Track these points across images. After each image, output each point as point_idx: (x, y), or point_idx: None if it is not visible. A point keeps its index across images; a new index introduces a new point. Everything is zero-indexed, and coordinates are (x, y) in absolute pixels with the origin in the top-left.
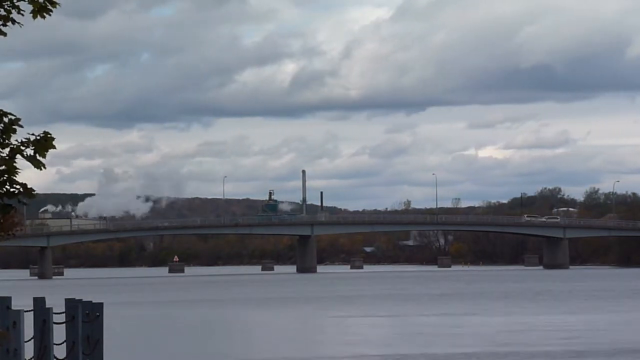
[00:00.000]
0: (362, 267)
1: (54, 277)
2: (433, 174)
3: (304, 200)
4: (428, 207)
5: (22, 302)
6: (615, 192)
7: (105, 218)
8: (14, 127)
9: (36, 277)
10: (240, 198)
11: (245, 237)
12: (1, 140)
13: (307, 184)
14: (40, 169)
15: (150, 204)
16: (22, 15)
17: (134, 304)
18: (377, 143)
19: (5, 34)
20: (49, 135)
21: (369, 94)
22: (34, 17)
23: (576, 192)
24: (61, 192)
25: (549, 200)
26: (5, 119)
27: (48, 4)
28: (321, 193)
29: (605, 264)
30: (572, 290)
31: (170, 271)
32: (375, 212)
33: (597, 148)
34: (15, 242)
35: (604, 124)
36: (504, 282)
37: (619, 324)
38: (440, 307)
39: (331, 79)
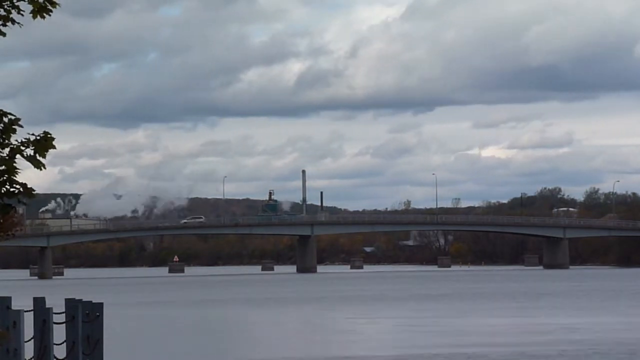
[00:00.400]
0: (362, 267)
1: (54, 277)
2: (433, 174)
3: (304, 200)
4: (428, 207)
5: (22, 302)
6: (615, 192)
7: (105, 218)
8: (13, 127)
9: (36, 277)
10: (241, 198)
11: (245, 237)
12: (1, 140)
13: (310, 184)
14: (40, 169)
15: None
16: (22, 15)
17: (134, 304)
18: (381, 143)
19: (4, 34)
20: (49, 135)
21: (375, 94)
22: (34, 17)
23: (577, 192)
24: (62, 192)
25: (549, 200)
26: (5, 119)
27: (48, 4)
28: (321, 193)
29: (605, 264)
30: (588, 290)
31: (170, 271)
32: (375, 212)
33: (601, 148)
34: (15, 242)
35: (609, 124)
36: (516, 282)
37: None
38: (451, 306)
39: (337, 79)
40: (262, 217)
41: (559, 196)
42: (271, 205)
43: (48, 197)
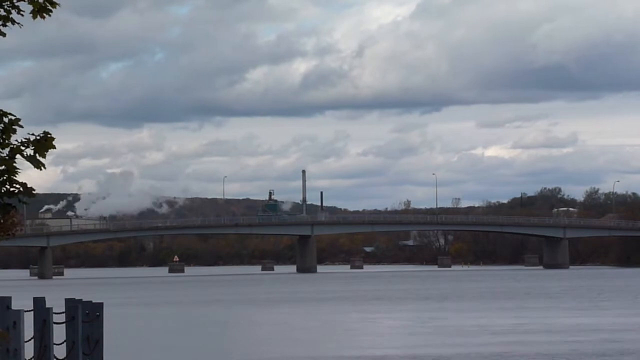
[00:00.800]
0: (362, 267)
1: (54, 277)
2: (433, 174)
3: (304, 200)
4: (428, 207)
5: (22, 302)
6: (615, 192)
7: (105, 218)
8: (14, 127)
9: (36, 277)
10: (241, 198)
11: (245, 237)
12: (1, 140)
13: (312, 184)
14: (40, 169)
15: (157, 204)
16: (22, 15)
17: (134, 304)
18: (385, 143)
19: (4, 35)
20: (49, 135)
21: (381, 93)
22: (34, 17)
23: (578, 192)
24: (64, 192)
25: (549, 200)
26: (5, 119)
27: (48, 4)
28: (321, 193)
29: (605, 264)
30: (602, 289)
31: (170, 271)
32: (375, 212)
33: (605, 148)
34: (15, 242)
35: (614, 124)
36: (520, 282)
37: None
38: (456, 306)
39: (344, 78)
40: (262, 217)
41: (559, 196)
42: (271, 205)
43: (49, 197)
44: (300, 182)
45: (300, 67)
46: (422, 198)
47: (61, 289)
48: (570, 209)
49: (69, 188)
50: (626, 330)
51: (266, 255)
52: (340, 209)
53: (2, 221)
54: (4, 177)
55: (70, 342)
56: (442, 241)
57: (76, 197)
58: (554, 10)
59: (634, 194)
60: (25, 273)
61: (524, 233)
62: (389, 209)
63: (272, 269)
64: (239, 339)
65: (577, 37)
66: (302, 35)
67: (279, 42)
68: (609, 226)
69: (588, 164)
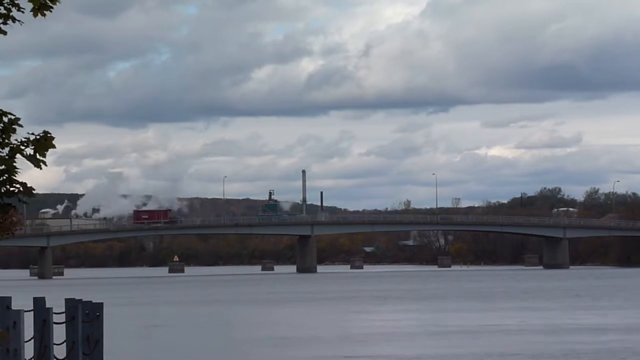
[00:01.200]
0: (362, 267)
1: (54, 277)
2: (433, 174)
3: (304, 200)
4: (428, 207)
5: (22, 302)
6: (615, 192)
7: (105, 218)
8: (13, 126)
9: (36, 277)
10: (241, 198)
11: (245, 237)
12: (1, 140)
13: (315, 184)
14: (40, 168)
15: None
16: (23, 12)
17: (134, 304)
18: (389, 143)
19: (5, 33)
20: (49, 135)
21: (386, 93)
22: (35, 15)
23: (578, 192)
24: (66, 191)
25: (549, 200)
26: (5, 119)
27: (48, 1)
28: (321, 193)
29: (605, 264)
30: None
31: (170, 271)
32: (375, 212)
33: (608, 147)
34: (15, 242)
35: (619, 123)
36: (520, 282)
37: None
38: (463, 306)
39: (350, 78)
40: (262, 217)
41: (559, 196)
42: (271, 205)
43: (51, 197)
44: (301, 182)
45: (307, 67)
46: (424, 198)
47: (61, 289)
48: (570, 209)
49: (72, 188)
50: None
51: (266, 255)
52: (340, 209)
53: (1, 221)
54: (4, 177)
55: (70, 342)
56: (442, 241)
57: (77, 198)
58: (565, 9)
59: (634, 194)
60: (25, 273)
61: (524, 233)
62: (389, 209)
63: (272, 269)
64: (239, 339)
65: (585, 36)
66: (309, 34)
67: (285, 42)
68: (609, 226)
69: (591, 163)
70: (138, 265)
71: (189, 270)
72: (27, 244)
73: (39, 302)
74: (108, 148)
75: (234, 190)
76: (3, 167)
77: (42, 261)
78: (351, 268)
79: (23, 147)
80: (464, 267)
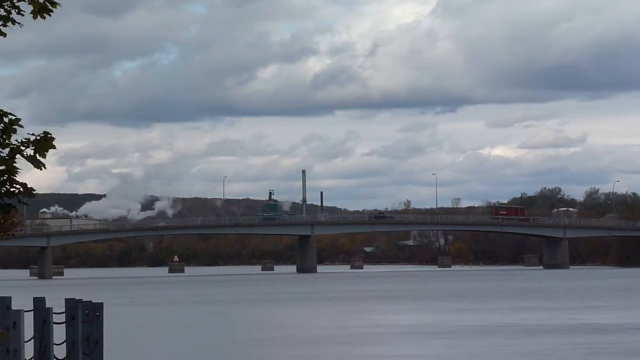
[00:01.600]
0: (362, 267)
1: (54, 277)
2: (433, 174)
3: (304, 200)
4: (428, 207)
5: (22, 302)
6: (615, 192)
7: (105, 218)
8: (14, 127)
9: (36, 277)
10: (241, 198)
11: (245, 237)
12: (1, 140)
13: (318, 184)
14: (40, 169)
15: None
16: (22, 15)
17: (134, 304)
18: (393, 143)
19: (5, 35)
20: (49, 135)
21: (392, 93)
22: (34, 17)
23: (578, 192)
24: (68, 191)
25: (549, 200)
26: (6, 119)
27: (48, 4)
28: (321, 193)
29: (605, 264)
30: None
31: (170, 271)
32: (375, 212)
33: (612, 147)
34: (15, 242)
35: (623, 123)
36: (521, 282)
37: None
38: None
39: (355, 78)
40: (262, 217)
41: (559, 196)
42: (271, 205)
43: (52, 197)
44: (306, 182)
45: (314, 67)
46: (427, 198)
47: (61, 289)
48: (570, 209)
49: (74, 188)
50: None
51: (266, 255)
52: (340, 209)
53: (2, 221)
54: (4, 177)
55: (70, 342)
56: (442, 241)
57: (77, 197)
58: (574, 9)
59: (634, 194)
60: (25, 273)
61: (524, 233)
62: (389, 209)
63: (272, 269)
64: (239, 339)
65: (591, 36)
66: (318, 34)
67: (293, 41)
68: (609, 226)
69: (594, 163)
70: (138, 265)
71: (189, 270)
72: (27, 244)
73: (39, 302)
74: (111, 148)
75: (236, 190)
76: (3, 167)
77: (42, 261)
78: (351, 268)
79: (23, 148)
80: (465, 267)
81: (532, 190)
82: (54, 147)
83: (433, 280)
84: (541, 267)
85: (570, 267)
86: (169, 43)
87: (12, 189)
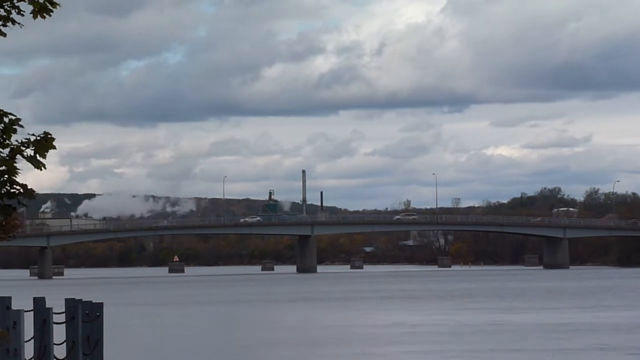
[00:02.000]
0: (362, 267)
1: (54, 277)
2: (433, 174)
3: (304, 200)
4: (429, 207)
5: (22, 302)
6: (615, 192)
7: (105, 218)
8: (14, 127)
9: (36, 277)
10: (241, 198)
11: (245, 237)
12: (1, 141)
13: (321, 183)
14: (41, 169)
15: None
16: (22, 15)
17: (134, 304)
18: (396, 142)
19: (5, 35)
20: (49, 136)
21: (398, 93)
22: (34, 17)
23: (578, 192)
24: (70, 191)
25: (549, 200)
26: (6, 119)
27: (48, 4)
28: (321, 193)
29: (605, 264)
30: None
31: (170, 271)
32: (375, 212)
33: (615, 147)
34: (15, 242)
35: (627, 123)
36: (521, 282)
37: None
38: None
39: (361, 78)
40: (262, 217)
41: (558, 196)
42: (271, 205)
43: (50, 197)
44: (307, 182)
45: (320, 66)
46: (429, 198)
47: (61, 289)
48: (570, 209)
49: (76, 188)
50: None
51: (266, 255)
52: (340, 209)
53: (3, 223)
54: (4, 178)
55: (70, 342)
56: (442, 241)
57: (77, 197)
58: (583, 9)
59: (634, 194)
60: (25, 273)
61: (524, 233)
62: (389, 209)
63: (272, 269)
64: (239, 340)
65: (599, 36)
66: (326, 33)
67: (300, 40)
68: (609, 226)
69: (596, 163)
70: (138, 265)
71: (189, 270)
72: (27, 244)
73: (39, 302)
74: (114, 148)
75: (237, 190)
76: (3, 168)
77: (42, 261)
78: (351, 268)
79: (23, 148)
80: (465, 267)
81: (534, 190)
82: (54, 147)
83: (433, 280)
84: (541, 267)
85: (571, 267)
86: (177, 43)
87: (12, 190)
